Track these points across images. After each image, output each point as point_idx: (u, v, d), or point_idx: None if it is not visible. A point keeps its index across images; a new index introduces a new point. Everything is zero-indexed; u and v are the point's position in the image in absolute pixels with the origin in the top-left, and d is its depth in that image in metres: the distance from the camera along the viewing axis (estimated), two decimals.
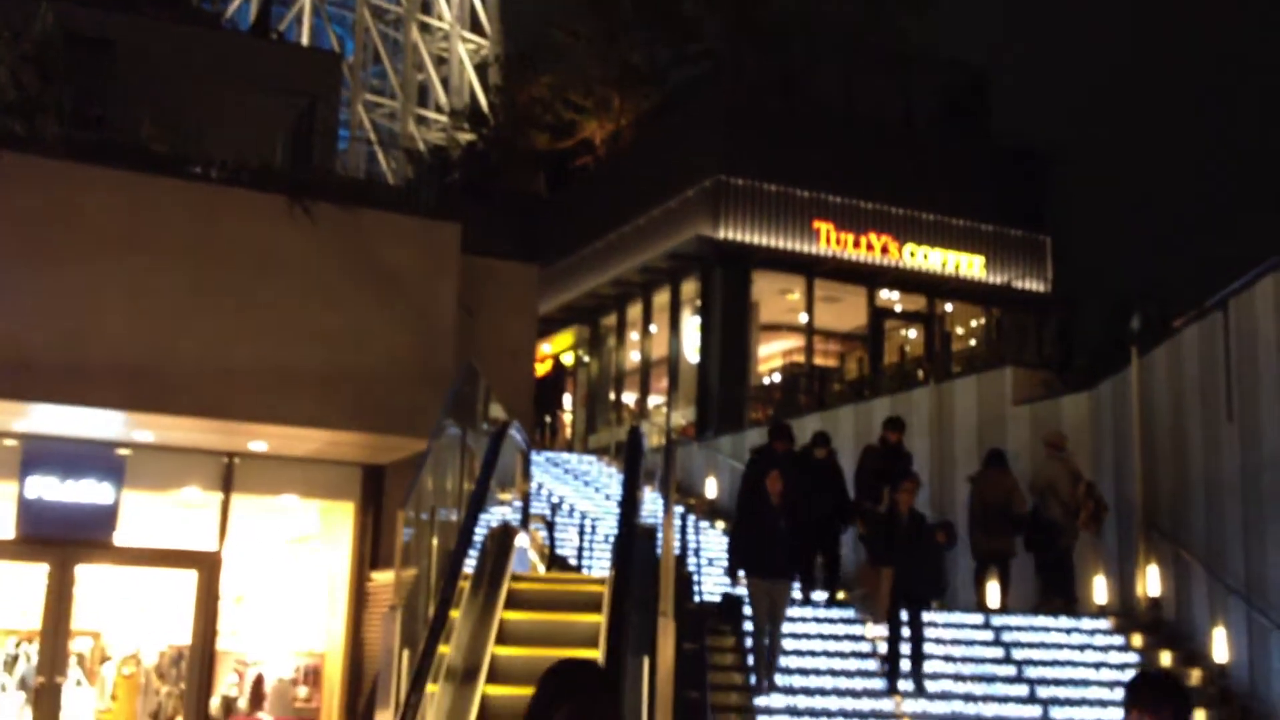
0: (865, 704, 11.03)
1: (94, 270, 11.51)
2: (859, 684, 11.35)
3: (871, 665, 11.70)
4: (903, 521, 11.63)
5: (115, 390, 11.40)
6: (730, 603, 11.88)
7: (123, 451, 12.51)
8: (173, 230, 11.89)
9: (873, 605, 11.83)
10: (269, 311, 12.08)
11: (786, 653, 11.54)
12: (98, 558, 12.27)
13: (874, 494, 13.24)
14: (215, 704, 12.69)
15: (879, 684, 11.35)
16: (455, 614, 8.29)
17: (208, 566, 12.57)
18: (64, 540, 11.98)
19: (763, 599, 11.13)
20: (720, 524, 19.14)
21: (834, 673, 11.52)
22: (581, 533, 17.06)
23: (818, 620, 12.42)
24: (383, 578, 13.14)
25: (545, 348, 29.11)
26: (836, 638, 12.14)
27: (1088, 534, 13.31)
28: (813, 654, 11.75)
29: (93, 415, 11.68)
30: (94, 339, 11.42)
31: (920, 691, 11.10)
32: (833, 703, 10.98)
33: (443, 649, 7.81)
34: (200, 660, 12.44)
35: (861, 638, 12.17)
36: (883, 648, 11.77)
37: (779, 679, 11.15)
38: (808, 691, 11.10)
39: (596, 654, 7.93)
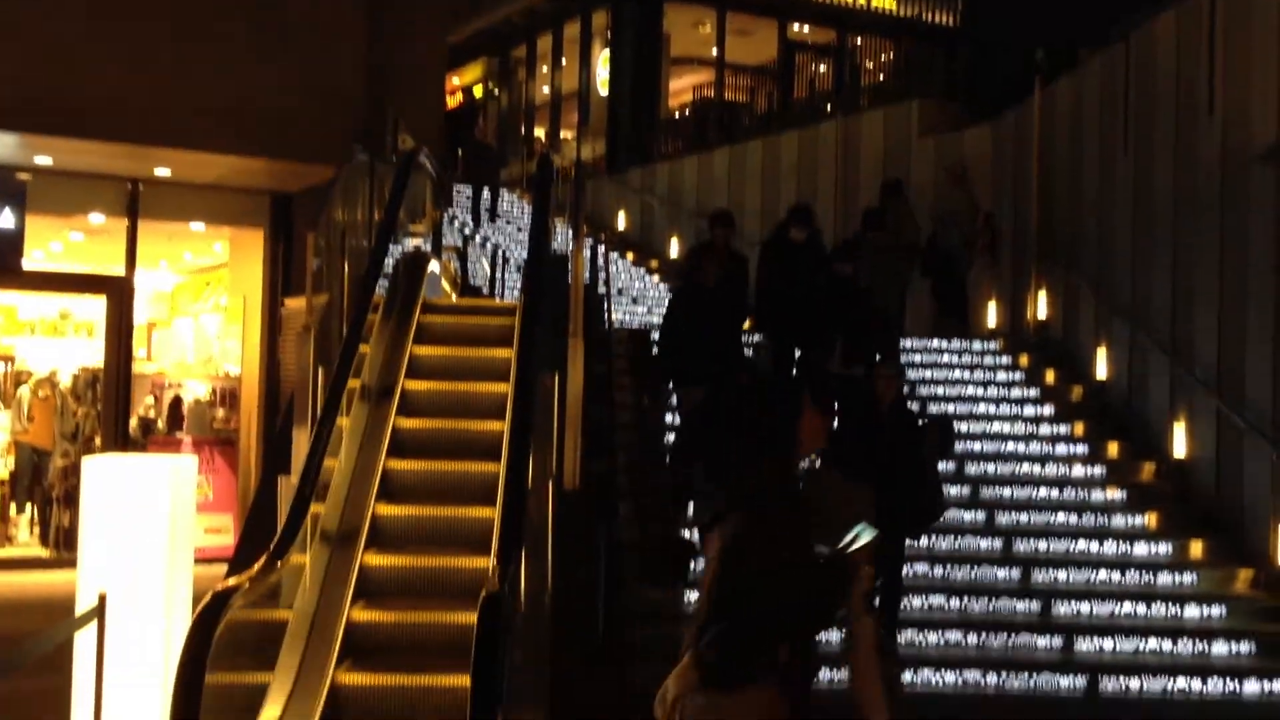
0: None
1: None
2: None
3: None
4: (884, 420, 8.44)
5: (14, 113, 11.12)
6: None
7: (23, 176, 12.30)
8: None
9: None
10: (172, 35, 11.73)
11: None
12: (6, 283, 12.23)
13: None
14: (133, 424, 12.92)
15: None
16: (368, 342, 8.43)
17: (117, 291, 12.59)
18: None
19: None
20: (630, 255, 19.40)
21: None
22: (493, 263, 17.23)
23: None
24: (295, 303, 13.26)
25: (455, 80, 28.55)
26: None
27: (983, 262, 13.77)
28: None
29: None
30: None
31: (893, 641, 8.51)
32: None
33: (354, 381, 7.94)
34: (115, 382, 12.60)
35: None
36: None
37: None
38: None
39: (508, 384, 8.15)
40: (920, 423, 8.81)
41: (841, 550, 3.84)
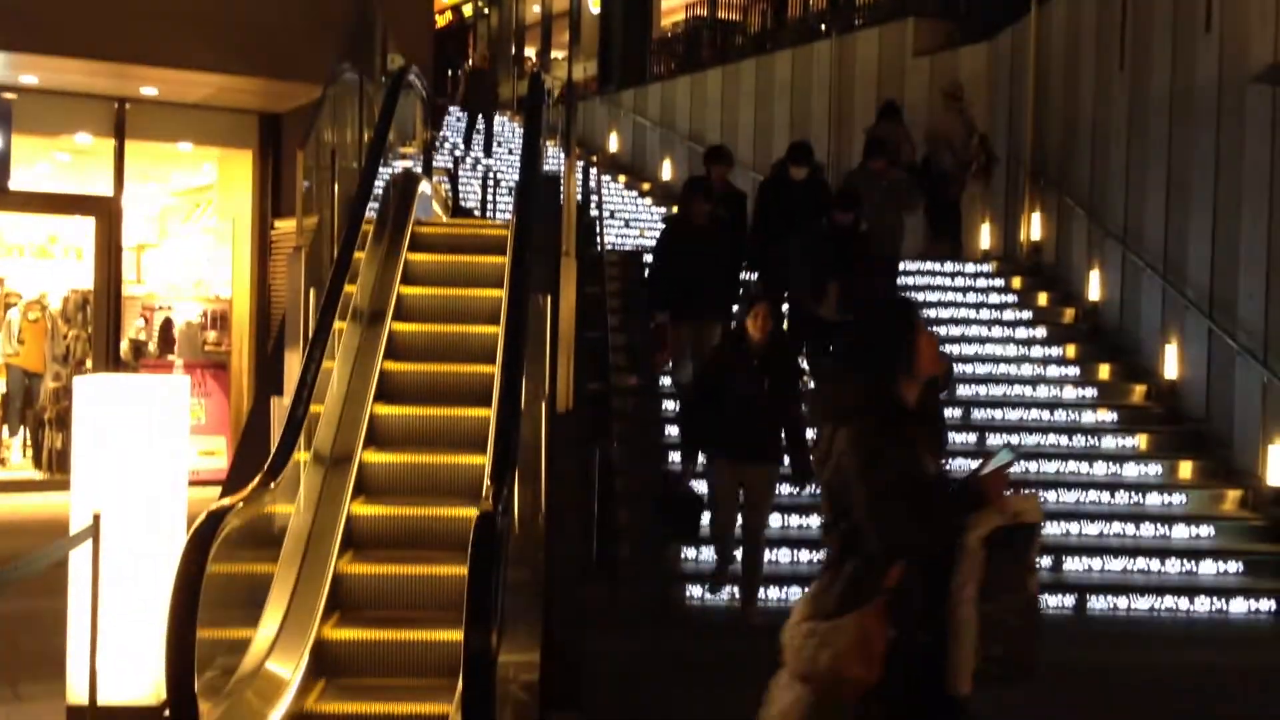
0: None
1: None
2: None
3: None
4: None
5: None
6: (682, 503, 8.23)
7: (8, 96, 12.14)
8: None
9: None
10: None
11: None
12: None
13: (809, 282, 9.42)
14: (124, 347, 12.88)
15: None
16: (360, 255, 8.40)
17: (105, 212, 12.49)
18: None
19: (730, 491, 7.93)
20: (623, 178, 19.27)
21: None
22: (485, 185, 17.11)
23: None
24: (285, 225, 13.19)
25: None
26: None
27: (976, 185, 13.69)
28: None
29: None
30: None
31: None
32: None
33: (349, 288, 7.95)
34: (105, 305, 12.56)
35: None
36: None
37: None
38: None
39: (501, 294, 8.16)
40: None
41: (978, 472, 3.70)
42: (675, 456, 9.47)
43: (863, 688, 3.55)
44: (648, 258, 12.80)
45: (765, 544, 8.24)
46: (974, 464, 4.20)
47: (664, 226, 10.55)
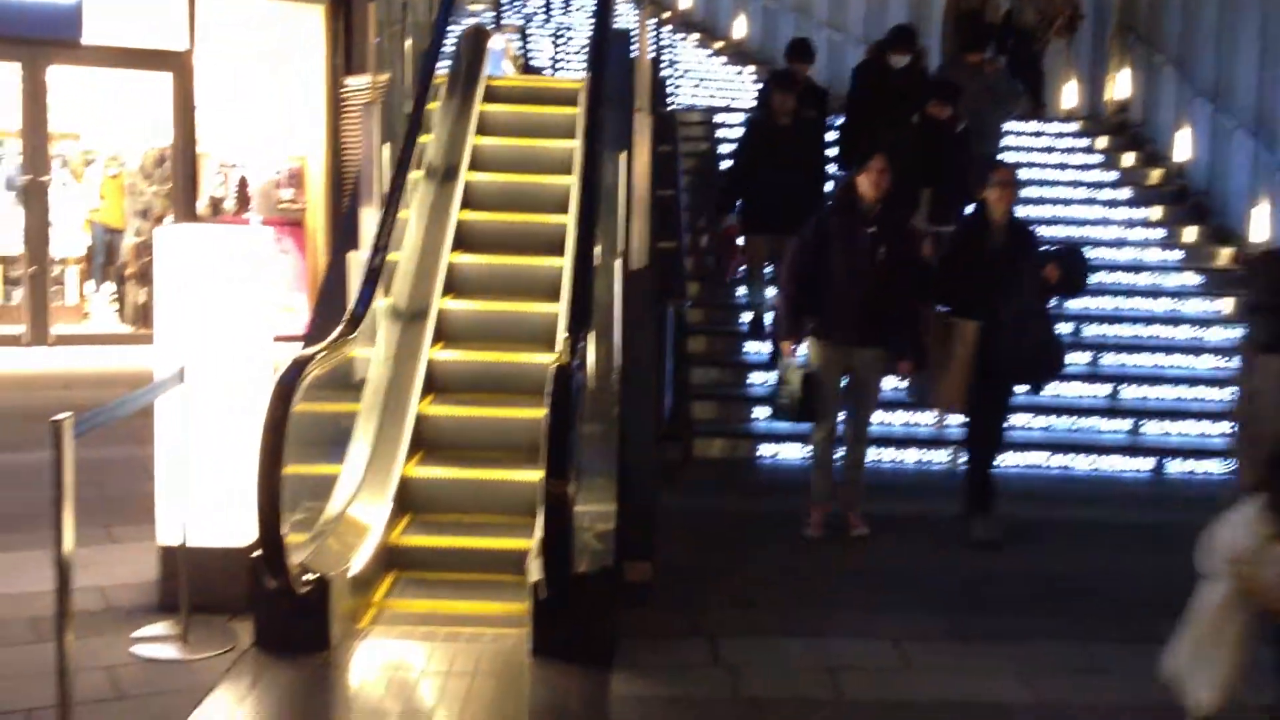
0: None
1: None
2: None
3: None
4: (996, 241, 6.87)
5: None
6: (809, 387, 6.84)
7: None
8: None
9: (938, 384, 6.98)
10: None
11: None
12: (67, 58, 12.16)
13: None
14: (203, 205, 13.00)
15: None
16: (434, 106, 8.38)
17: (180, 68, 12.51)
18: (31, 39, 11.86)
19: (833, 380, 6.92)
20: (695, 35, 18.91)
21: None
22: (555, 43, 16.90)
23: None
24: (357, 82, 13.13)
25: None
26: None
27: (1060, 40, 13.26)
28: None
29: None
30: None
31: (990, 504, 7.00)
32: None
33: (422, 139, 7.95)
34: (182, 161, 12.65)
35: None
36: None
37: None
38: None
39: (574, 144, 8.11)
40: (1043, 249, 7.15)
41: None
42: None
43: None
44: (719, 117, 12.66)
45: (869, 443, 7.27)
46: None
47: (744, 129, 9.71)
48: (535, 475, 4.92)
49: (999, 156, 10.13)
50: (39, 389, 10.27)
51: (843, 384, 6.96)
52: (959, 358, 6.77)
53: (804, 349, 6.90)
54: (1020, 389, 7.17)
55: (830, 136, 10.07)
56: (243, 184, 13.36)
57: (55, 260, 12.49)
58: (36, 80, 12.03)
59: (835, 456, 7.06)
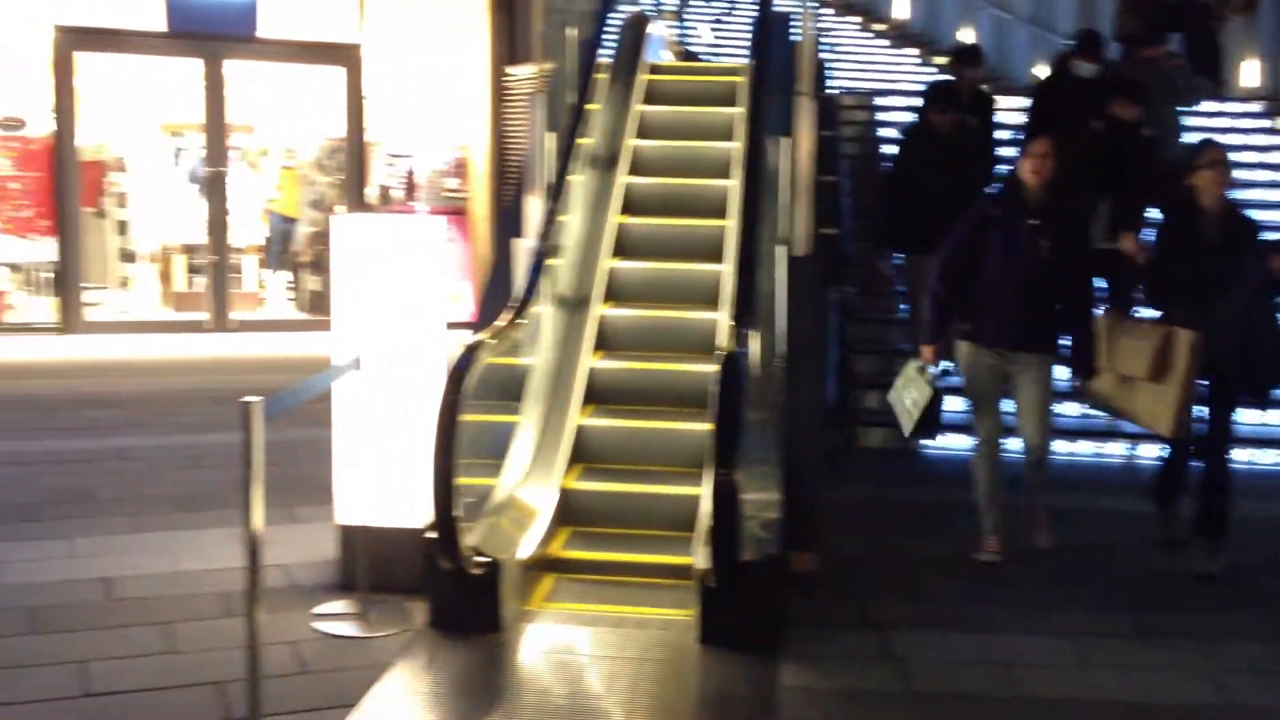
0: None
1: None
2: None
3: None
4: (1210, 230, 6.14)
5: None
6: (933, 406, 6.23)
7: None
8: None
9: (1152, 406, 6.15)
10: None
11: None
12: (243, 53, 12.60)
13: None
14: (373, 194, 13.35)
15: None
16: (598, 87, 8.47)
17: (350, 61, 12.87)
18: (210, 35, 12.32)
19: (988, 389, 6.33)
20: (856, 17, 18.68)
21: None
22: (714, 29, 16.83)
23: None
24: (519, 72, 13.32)
25: None
26: None
27: (1240, 14, 12.72)
28: None
29: None
30: None
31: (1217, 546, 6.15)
32: None
33: (583, 130, 8.02)
34: (354, 152, 13.02)
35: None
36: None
37: None
38: None
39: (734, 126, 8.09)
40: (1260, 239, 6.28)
41: None
42: None
43: None
44: (879, 100, 12.47)
45: (1048, 449, 6.40)
46: None
47: (901, 141, 9.07)
48: (696, 490, 4.90)
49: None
50: (222, 373, 10.70)
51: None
52: (1179, 373, 5.93)
53: (944, 360, 6.33)
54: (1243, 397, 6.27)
55: (1000, 140, 9.50)
56: (410, 174, 13.66)
57: (234, 249, 12.98)
58: (215, 75, 12.51)
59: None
